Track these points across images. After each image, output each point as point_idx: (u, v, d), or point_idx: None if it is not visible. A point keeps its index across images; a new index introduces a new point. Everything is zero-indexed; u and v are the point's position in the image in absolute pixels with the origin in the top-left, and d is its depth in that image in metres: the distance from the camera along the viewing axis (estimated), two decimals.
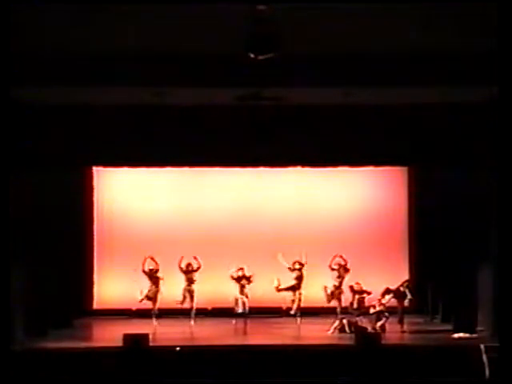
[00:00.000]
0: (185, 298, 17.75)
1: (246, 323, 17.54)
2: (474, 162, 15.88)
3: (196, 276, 17.79)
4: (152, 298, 17.53)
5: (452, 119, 16.09)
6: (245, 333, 17.02)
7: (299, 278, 18.00)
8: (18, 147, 14.41)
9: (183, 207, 19.68)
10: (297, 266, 18.01)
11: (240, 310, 17.83)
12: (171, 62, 13.72)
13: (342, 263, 17.80)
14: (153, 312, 17.51)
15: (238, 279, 17.91)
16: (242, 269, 17.94)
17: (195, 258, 17.78)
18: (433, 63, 13.85)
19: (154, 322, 17.37)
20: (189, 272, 17.81)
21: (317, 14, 12.27)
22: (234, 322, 17.73)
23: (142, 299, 17.51)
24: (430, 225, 18.63)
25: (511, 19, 10.63)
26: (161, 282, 17.64)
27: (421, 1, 12.20)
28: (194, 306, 17.76)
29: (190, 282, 17.77)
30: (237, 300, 17.88)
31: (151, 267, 17.71)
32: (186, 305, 17.79)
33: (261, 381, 13.60)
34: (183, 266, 17.81)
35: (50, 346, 15.10)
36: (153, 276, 17.64)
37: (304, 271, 17.98)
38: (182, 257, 17.85)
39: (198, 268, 17.82)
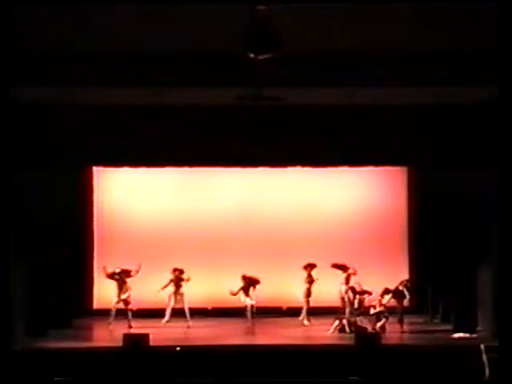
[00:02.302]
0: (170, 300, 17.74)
1: (252, 324, 17.45)
2: (474, 161, 15.88)
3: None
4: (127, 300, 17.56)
5: (452, 119, 16.09)
6: (245, 333, 17.00)
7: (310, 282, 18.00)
8: (18, 147, 14.41)
9: (183, 207, 19.67)
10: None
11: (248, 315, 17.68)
12: (171, 62, 13.72)
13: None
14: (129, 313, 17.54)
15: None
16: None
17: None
18: (432, 63, 13.84)
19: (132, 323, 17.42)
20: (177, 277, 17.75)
21: (317, 14, 12.28)
22: (248, 322, 17.57)
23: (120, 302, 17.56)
24: (429, 225, 18.63)
25: (511, 19, 10.64)
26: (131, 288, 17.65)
27: (421, 1, 12.21)
28: (186, 307, 17.71)
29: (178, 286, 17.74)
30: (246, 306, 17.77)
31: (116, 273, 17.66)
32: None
33: (261, 381, 13.62)
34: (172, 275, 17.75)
35: (50, 346, 15.10)
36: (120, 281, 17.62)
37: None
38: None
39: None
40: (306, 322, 17.81)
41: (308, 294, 17.86)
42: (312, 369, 14.02)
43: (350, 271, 17.31)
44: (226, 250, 19.26)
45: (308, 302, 17.90)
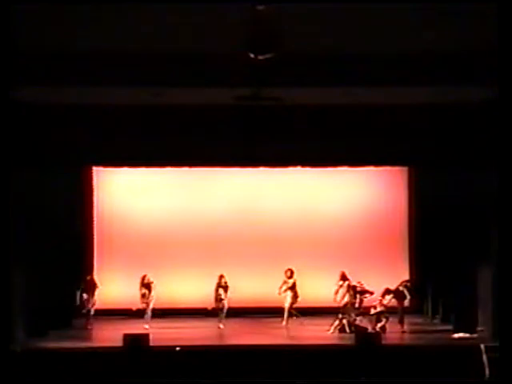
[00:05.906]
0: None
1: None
2: (474, 162, 15.88)
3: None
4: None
5: (452, 119, 16.09)
6: (245, 333, 17.01)
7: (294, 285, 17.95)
8: (18, 147, 14.42)
9: (183, 207, 19.69)
10: (288, 274, 17.91)
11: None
12: (171, 62, 13.72)
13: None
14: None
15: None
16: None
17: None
18: (433, 63, 13.85)
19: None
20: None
21: (317, 13, 12.27)
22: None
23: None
24: (430, 225, 18.64)
25: (511, 19, 10.65)
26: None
27: (421, 1, 12.20)
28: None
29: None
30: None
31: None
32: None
33: (260, 381, 13.61)
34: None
35: (50, 346, 15.11)
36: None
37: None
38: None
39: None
40: (283, 323, 17.76)
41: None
42: (312, 369, 14.02)
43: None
44: (226, 249, 19.27)
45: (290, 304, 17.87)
